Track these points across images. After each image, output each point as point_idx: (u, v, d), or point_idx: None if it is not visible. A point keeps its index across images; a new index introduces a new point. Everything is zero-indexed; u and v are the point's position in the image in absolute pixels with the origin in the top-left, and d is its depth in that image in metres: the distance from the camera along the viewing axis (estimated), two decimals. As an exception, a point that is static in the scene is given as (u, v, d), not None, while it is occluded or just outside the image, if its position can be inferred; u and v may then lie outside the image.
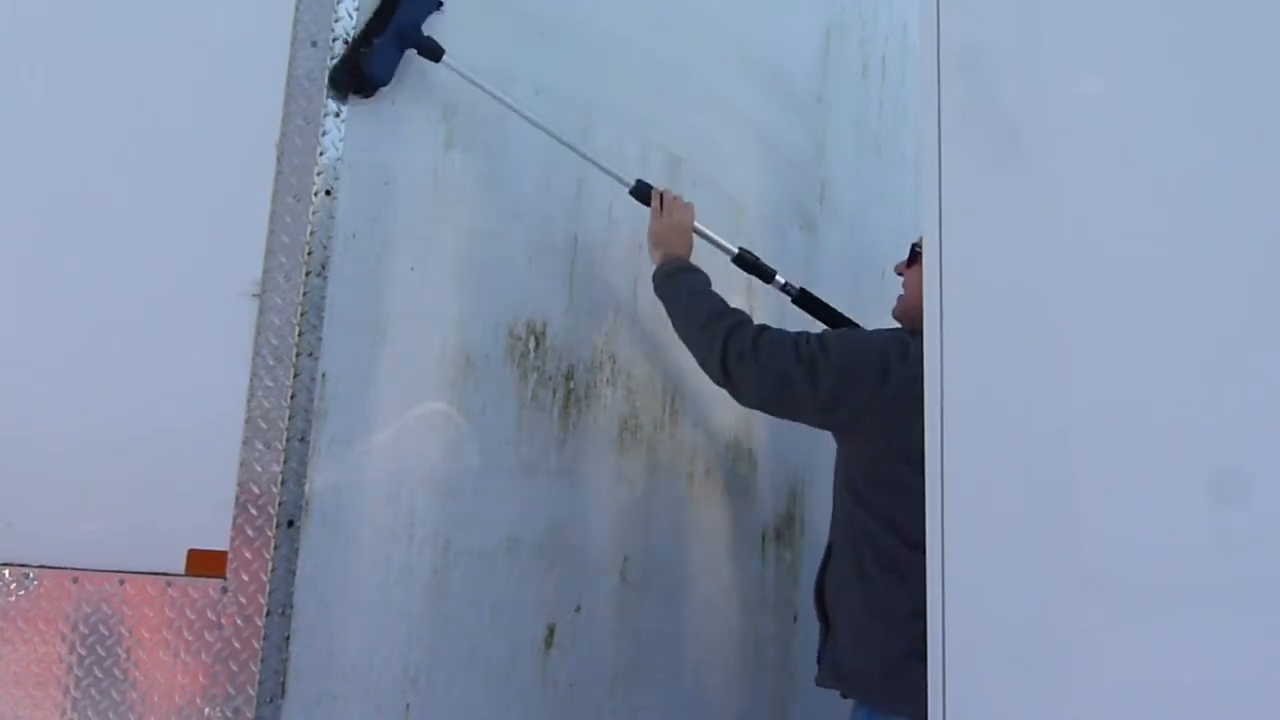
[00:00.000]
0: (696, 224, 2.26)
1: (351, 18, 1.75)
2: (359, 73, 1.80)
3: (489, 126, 2.04)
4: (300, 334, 1.64)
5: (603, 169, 2.20)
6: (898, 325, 2.18)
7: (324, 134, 1.70)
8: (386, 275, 1.82)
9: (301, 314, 1.65)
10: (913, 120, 3.58)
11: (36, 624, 1.68)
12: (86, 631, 1.65)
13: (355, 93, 1.81)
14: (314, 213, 1.68)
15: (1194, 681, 1.18)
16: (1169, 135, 1.30)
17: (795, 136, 3.02)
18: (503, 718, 1.98)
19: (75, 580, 1.67)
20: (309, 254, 1.67)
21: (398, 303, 1.83)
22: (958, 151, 1.42)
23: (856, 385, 1.98)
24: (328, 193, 1.70)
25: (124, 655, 1.63)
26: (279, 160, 1.71)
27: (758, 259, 2.36)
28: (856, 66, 3.39)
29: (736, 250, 2.34)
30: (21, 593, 1.70)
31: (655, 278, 2.20)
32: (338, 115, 1.72)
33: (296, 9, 1.75)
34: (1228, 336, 1.22)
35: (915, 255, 2.15)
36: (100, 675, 1.63)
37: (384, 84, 1.86)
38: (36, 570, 1.70)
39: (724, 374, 2.04)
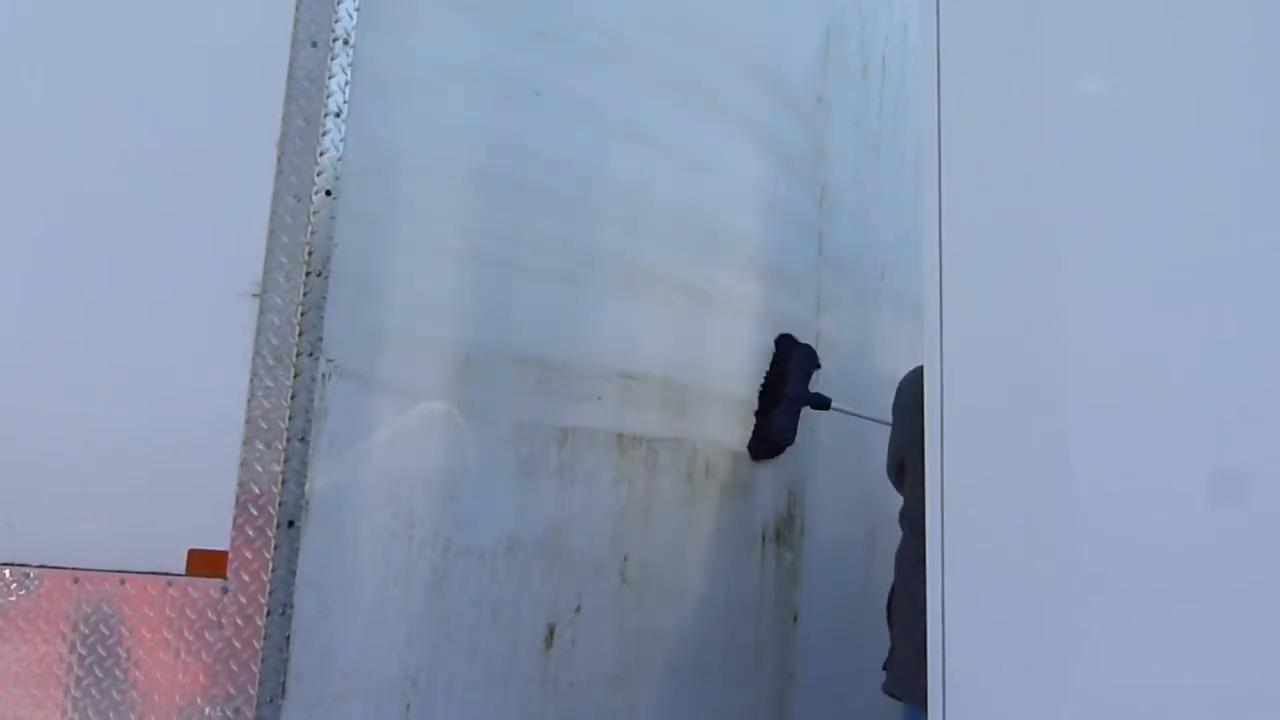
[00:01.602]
0: None
1: (352, 18, 1.75)
2: (771, 440, 2.40)
3: (490, 125, 2.04)
4: (300, 334, 1.64)
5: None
6: None
7: (324, 134, 1.70)
8: (386, 275, 1.82)
9: (301, 314, 1.65)
10: (913, 120, 3.58)
11: (37, 624, 1.68)
12: (87, 631, 1.65)
13: (771, 456, 2.42)
14: (314, 213, 1.68)
15: (1194, 681, 1.18)
16: (1169, 136, 1.30)
17: (795, 136, 3.02)
18: (503, 718, 1.98)
19: (76, 580, 1.67)
20: (309, 254, 1.66)
21: (398, 303, 1.83)
22: (958, 151, 1.42)
23: (901, 426, 2.17)
24: (328, 193, 1.69)
25: (124, 655, 1.63)
26: (279, 160, 1.70)
27: None
28: (856, 66, 3.39)
29: None
30: (22, 592, 1.69)
31: None
32: (338, 115, 1.72)
33: (296, 9, 1.75)
34: (1228, 336, 1.22)
35: None
36: (101, 675, 1.63)
37: (790, 443, 2.43)
38: (37, 570, 1.70)
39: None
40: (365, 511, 1.75)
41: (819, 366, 2.55)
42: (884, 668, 2.22)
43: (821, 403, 2.51)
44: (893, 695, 2.17)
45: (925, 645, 2.06)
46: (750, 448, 2.37)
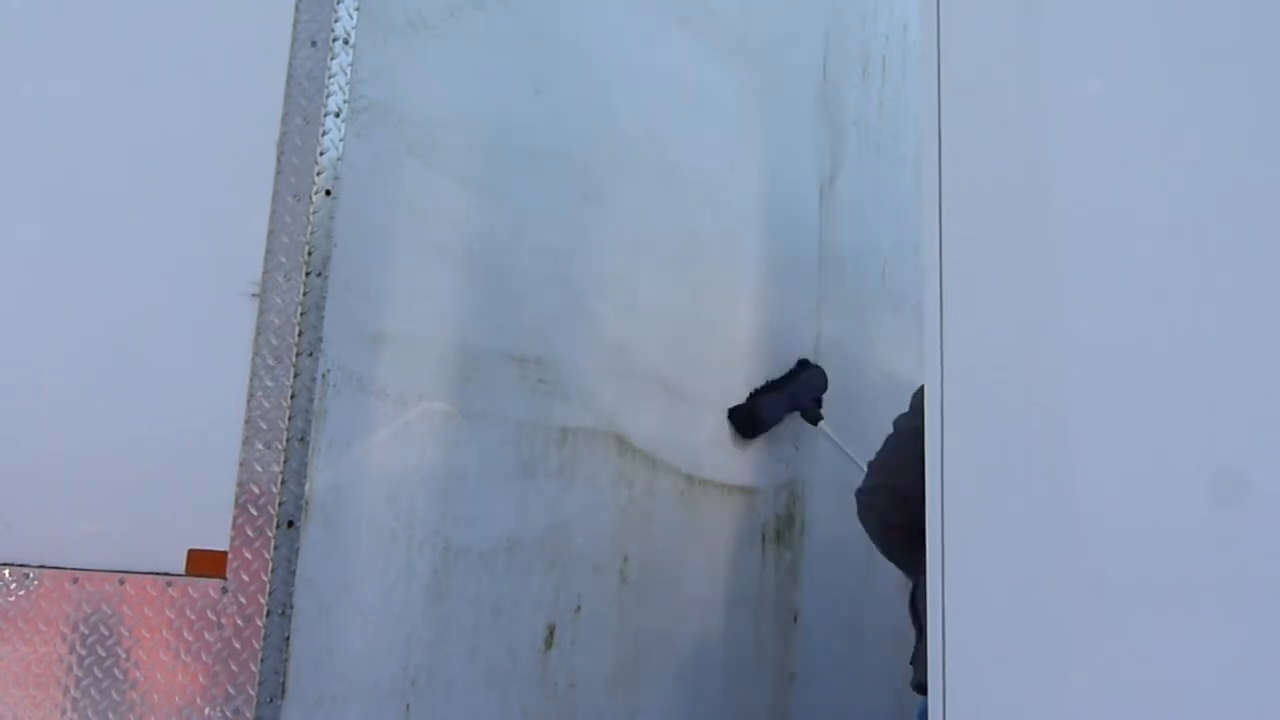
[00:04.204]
0: None
1: (352, 18, 1.75)
2: (754, 417, 2.48)
3: (485, 128, 2.05)
4: (300, 334, 1.64)
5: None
6: None
7: (324, 134, 1.70)
8: (386, 275, 1.82)
9: (301, 314, 1.65)
10: (913, 120, 3.58)
11: (37, 624, 1.68)
12: (86, 631, 1.65)
13: (749, 433, 2.50)
14: (314, 213, 1.67)
15: (1194, 681, 1.18)
16: (1169, 135, 1.30)
17: (795, 137, 3.02)
18: (503, 718, 1.98)
19: (75, 580, 1.67)
20: (309, 254, 1.66)
21: (398, 303, 1.83)
22: (958, 151, 1.42)
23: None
24: (328, 193, 1.69)
25: (124, 655, 1.63)
26: (279, 160, 1.70)
27: None
28: (856, 66, 3.39)
29: None
30: (22, 593, 1.69)
31: None
32: (337, 115, 1.72)
33: (296, 9, 1.75)
34: (1228, 336, 1.22)
35: None
36: (100, 675, 1.63)
37: (766, 428, 2.51)
38: (36, 570, 1.70)
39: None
40: (365, 512, 1.75)
41: (825, 389, 2.68)
42: (911, 662, 2.17)
43: (814, 415, 2.65)
44: (922, 690, 2.16)
45: None
46: (732, 415, 2.46)
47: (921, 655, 2.17)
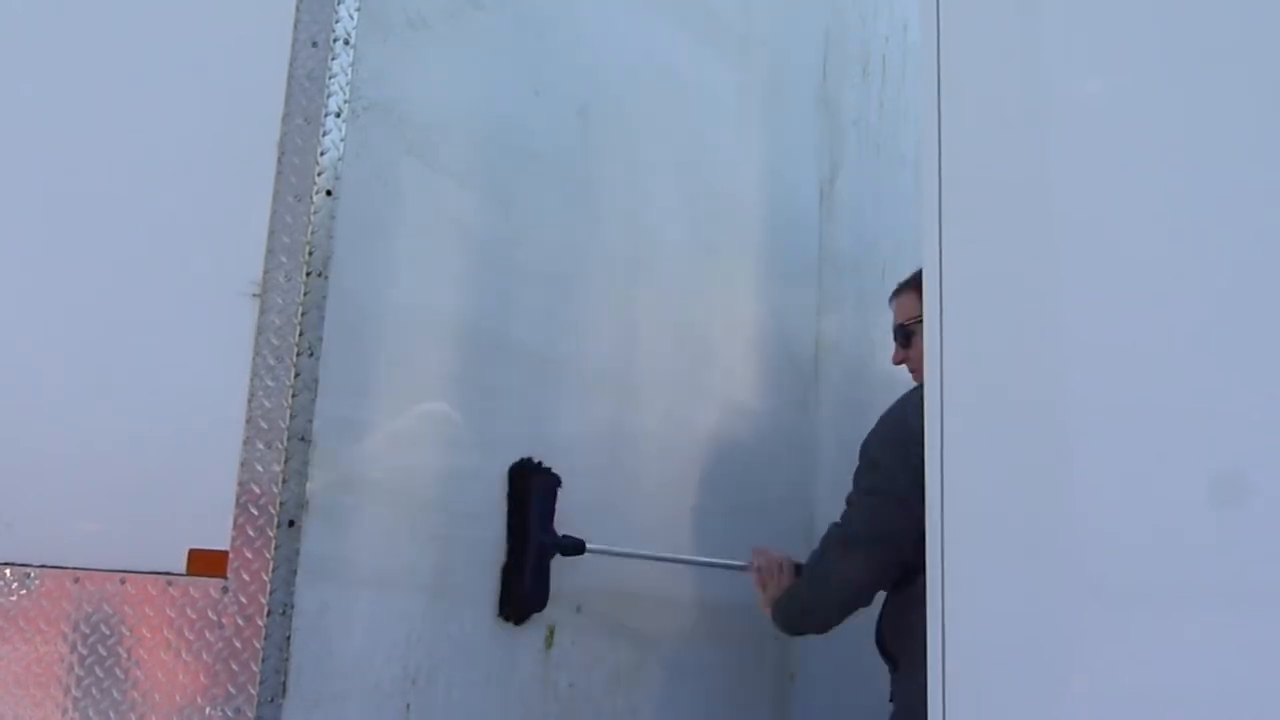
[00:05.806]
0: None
1: (352, 18, 1.75)
2: (524, 605, 1.98)
3: (485, 128, 2.05)
4: (300, 334, 1.64)
5: (721, 566, 2.35)
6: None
7: (324, 134, 1.70)
8: (387, 275, 1.82)
9: (302, 314, 1.65)
10: (913, 120, 3.58)
11: (37, 624, 1.68)
12: (87, 631, 1.65)
13: (525, 619, 1.99)
14: (314, 213, 1.68)
15: (1194, 682, 1.18)
16: (1169, 135, 1.30)
17: (795, 137, 3.02)
18: (503, 718, 1.98)
19: (76, 580, 1.67)
20: (309, 254, 1.66)
21: (398, 302, 1.83)
22: (958, 151, 1.42)
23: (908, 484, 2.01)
24: (328, 193, 1.69)
25: (125, 655, 1.63)
26: (279, 160, 1.70)
27: None
28: (856, 66, 3.39)
29: None
30: (23, 592, 1.69)
31: (777, 621, 2.25)
32: (338, 115, 1.72)
33: (296, 9, 1.75)
34: (1228, 337, 1.22)
35: (908, 334, 2.20)
36: (101, 675, 1.63)
37: (543, 606, 2.01)
38: (37, 570, 1.70)
39: (846, 592, 2.14)
40: (365, 511, 1.75)
41: (560, 485, 2.06)
42: (890, 699, 2.15)
43: (574, 548, 2.04)
44: None
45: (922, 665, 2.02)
46: (503, 611, 1.95)
47: (903, 690, 2.08)
